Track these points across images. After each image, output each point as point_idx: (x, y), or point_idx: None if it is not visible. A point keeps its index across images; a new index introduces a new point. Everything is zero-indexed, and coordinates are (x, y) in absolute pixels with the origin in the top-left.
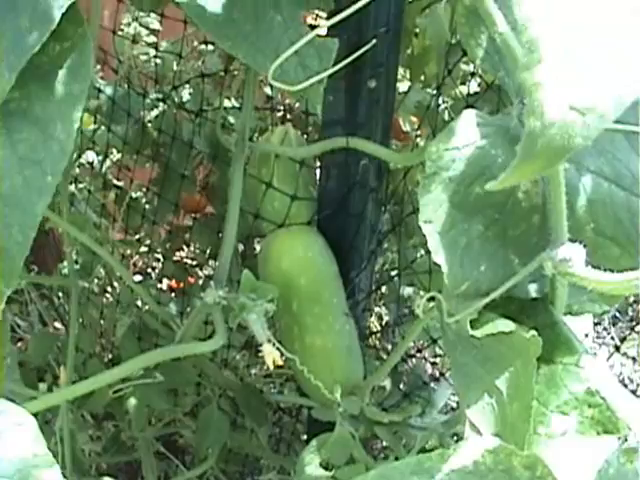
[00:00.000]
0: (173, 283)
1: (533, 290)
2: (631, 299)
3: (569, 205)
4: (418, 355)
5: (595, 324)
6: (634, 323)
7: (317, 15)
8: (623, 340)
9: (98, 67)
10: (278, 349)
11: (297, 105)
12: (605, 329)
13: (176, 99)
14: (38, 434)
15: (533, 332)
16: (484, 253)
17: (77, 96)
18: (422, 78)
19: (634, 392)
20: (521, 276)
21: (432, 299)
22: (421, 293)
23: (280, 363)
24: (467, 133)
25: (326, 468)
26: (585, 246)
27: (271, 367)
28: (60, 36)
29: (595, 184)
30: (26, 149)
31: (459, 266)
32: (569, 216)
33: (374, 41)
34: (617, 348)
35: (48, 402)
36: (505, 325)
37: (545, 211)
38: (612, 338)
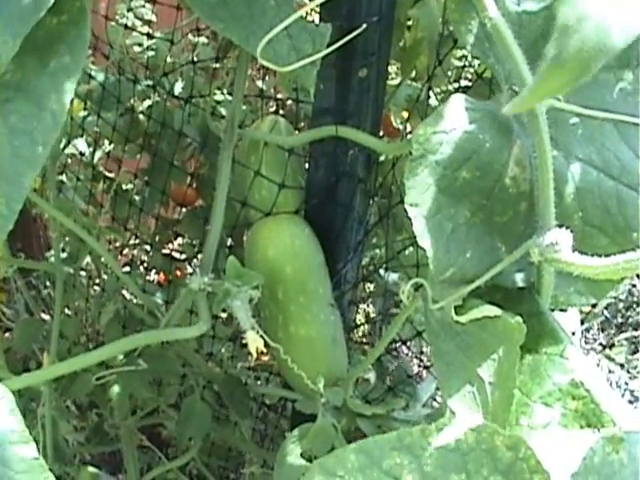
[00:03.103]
0: (161, 277)
1: (519, 279)
2: (620, 305)
3: (557, 193)
4: (403, 349)
5: (584, 330)
6: (622, 329)
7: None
8: (611, 346)
9: (90, 52)
10: (262, 338)
11: (289, 102)
12: (594, 335)
13: (167, 87)
14: (15, 410)
15: (518, 318)
16: (470, 239)
17: (71, 68)
18: (413, 72)
19: (622, 397)
20: (507, 263)
21: (417, 289)
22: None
23: (264, 350)
24: (455, 117)
25: (308, 460)
26: (573, 235)
27: (254, 354)
28: (58, 9)
29: (584, 172)
30: (17, 120)
31: (445, 252)
32: (557, 204)
33: (364, 25)
34: (604, 351)
35: (28, 381)
36: (490, 310)
37: (533, 198)
38: (600, 344)
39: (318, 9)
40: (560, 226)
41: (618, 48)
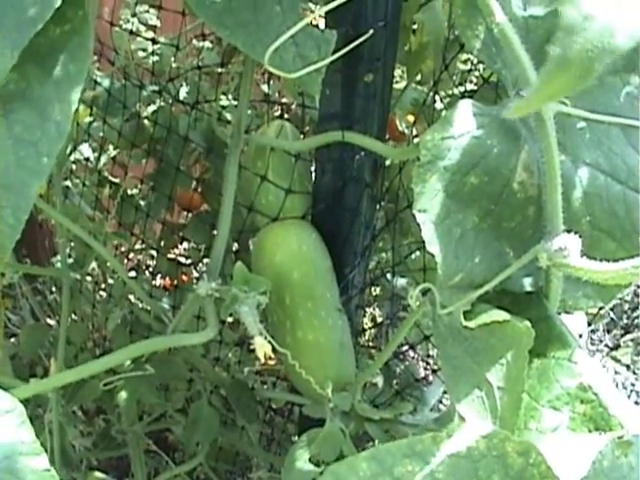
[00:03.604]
0: (167, 282)
1: (527, 284)
2: (626, 307)
3: (565, 197)
4: (411, 353)
5: (590, 331)
6: (628, 331)
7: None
8: (617, 348)
9: (95, 58)
10: (270, 343)
11: (294, 106)
12: (599, 337)
13: (173, 93)
14: (26, 421)
15: (526, 322)
16: (479, 244)
17: (75, 78)
18: (419, 76)
19: (628, 398)
20: (515, 268)
21: (425, 294)
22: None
23: (271, 356)
24: (463, 122)
25: (317, 465)
26: (581, 240)
27: (262, 360)
28: (60, 19)
29: (591, 177)
30: (22, 130)
31: (453, 257)
32: (565, 209)
33: (371, 31)
34: (610, 352)
35: (36, 389)
36: (498, 315)
37: (541, 203)
38: (606, 345)
39: (323, 14)
40: (568, 231)
41: (622, 49)
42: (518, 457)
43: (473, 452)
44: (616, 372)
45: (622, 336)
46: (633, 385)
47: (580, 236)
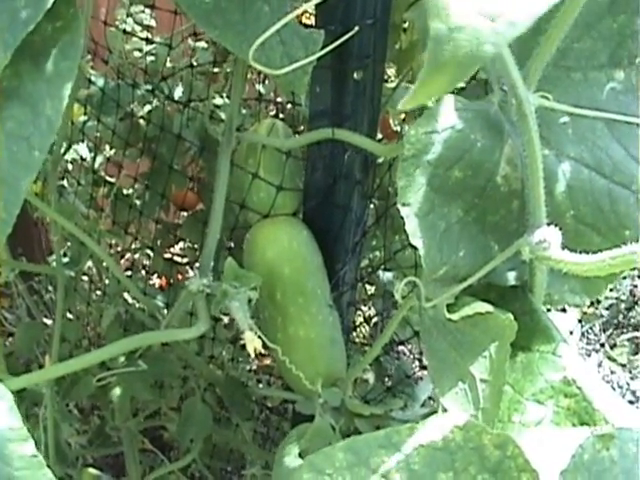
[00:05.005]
0: (163, 281)
1: (512, 277)
2: (622, 306)
3: (548, 191)
4: (404, 350)
5: (585, 331)
6: (624, 330)
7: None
8: (613, 347)
9: (89, 57)
10: (260, 338)
11: (289, 106)
12: (595, 336)
13: (166, 91)
14: (14, 408)
15: (509, 314)
16: (463, 238)
17: (66, 74)
18: (410, 75)
19: (622, 398)
20: (499, 261)
21: (413, 290)
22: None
23: (262, 352)
24: (447, 117)
25: None
26: (565, 234)
27: (252, 355)
28: (53, 16)
29: (575, 171)
30: (14, 125)
31: (437, 250)
32: (548, 202)
33: (357, 28)
34: (606, 351)
35: (29, 381)
36: (481, 307)
37: (524, 197)
38: (602, 345)
39: (313, 12)
40: (551, 224)
41: (490, 55)
42: (495, 449)
43: (450, 444)
44: (612, 371)
45: (618, 335)
46: (628, 384)
47: (565, 230)
